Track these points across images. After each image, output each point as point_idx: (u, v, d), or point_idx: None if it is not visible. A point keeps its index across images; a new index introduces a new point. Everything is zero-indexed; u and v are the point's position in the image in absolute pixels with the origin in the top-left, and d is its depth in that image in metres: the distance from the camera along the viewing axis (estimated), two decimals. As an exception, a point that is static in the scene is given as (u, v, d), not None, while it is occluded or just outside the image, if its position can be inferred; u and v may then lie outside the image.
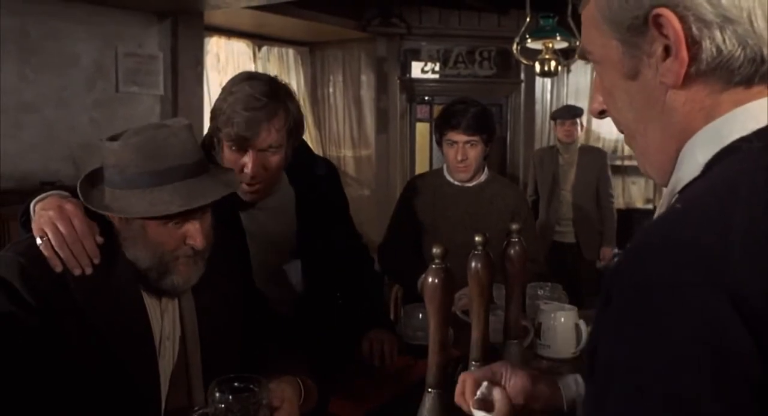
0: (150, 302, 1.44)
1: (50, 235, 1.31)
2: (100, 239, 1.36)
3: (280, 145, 1.83)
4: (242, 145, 1.79)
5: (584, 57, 0.81)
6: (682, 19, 0.67)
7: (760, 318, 0.54)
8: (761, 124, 0.66)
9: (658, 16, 0.67)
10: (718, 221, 0.59)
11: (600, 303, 0.63)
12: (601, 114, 0.83)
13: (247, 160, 1.80)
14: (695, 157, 0.69)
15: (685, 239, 0.60)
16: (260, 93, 1.77)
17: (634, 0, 0.70)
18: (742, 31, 0.66)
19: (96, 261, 1.35)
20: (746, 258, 0.56)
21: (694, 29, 0.67)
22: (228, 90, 1.82)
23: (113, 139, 1.38)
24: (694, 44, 0.67)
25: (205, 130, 1.99)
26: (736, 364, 0.54)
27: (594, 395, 0.63)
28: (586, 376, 0.65)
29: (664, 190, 0.76)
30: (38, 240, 1.32)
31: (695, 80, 0.69)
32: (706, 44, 0.67)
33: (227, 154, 1.83)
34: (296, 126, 1.86)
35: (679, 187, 0.70)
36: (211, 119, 1.86)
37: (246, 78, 1.84)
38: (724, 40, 0.66)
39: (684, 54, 0.67)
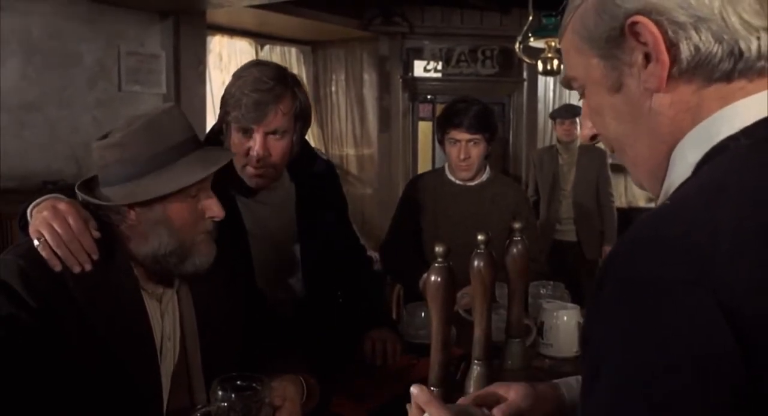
0: (150, 303, 1.44)
1: (47, 236, 1.32)
2: (96, 233, 1.36)
3: (285, 130, 1.85)
4: (249, 126, 1.82)
5: (569, 86, 0.83)
6: (657, 24, 0.69)
7: (745, 318, 0.55)
8: (748, 122, 0.68)
9: (634, 23, 0.70)
10: (706, 219, 0.60)
11: (592, 294, 0.64)
12: (593, 139, 0.85)
13: (254, 143, 1.83)
14: (686, 157, 0.71)
15: (673, 236, 0.60)
16: (268, 77, 1.81)
17: (608, 14, 0.72)
18: (716, 27, 0.68)
19: (95, 257, 1.35)
20: (733, 257, 0.57)
21: (669, 32, 0.69)
22: (238, 75, 1.87)
23: (104, 138, 1.40)
24: (672, 46, 0.69)
25: (208, 129, 2.00)
26: (717, 365, 0.55)
27: (585, 384, 0.64)
28: (580, 364, 0.66)
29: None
30: (35, 242, 1.32)
31: (678, 81, 0.70)
32: (684, 45, 0.69)
33: (234, 138, 1.86)
34: (303, 112, 1.89)
35: (672, 190, 0.71)
36: (221, 105, 1.89)
37: (255, 64, 1.91)
38: (700, 39, 0.68)
39: (664, 56, 0.69)
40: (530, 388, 1.12)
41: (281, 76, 1.85)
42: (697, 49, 0.68)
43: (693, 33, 0.68)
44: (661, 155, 0.74)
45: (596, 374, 0.60)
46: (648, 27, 0.69)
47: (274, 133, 1.84)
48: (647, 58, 0.71)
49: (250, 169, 1.87)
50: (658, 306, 0.57)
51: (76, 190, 1.41)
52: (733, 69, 0.69)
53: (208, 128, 2.01)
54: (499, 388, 1.13)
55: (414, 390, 1.05)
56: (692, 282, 0.56)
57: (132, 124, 1.38)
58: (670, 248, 0.59)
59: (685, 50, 0.69)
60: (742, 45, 0.68)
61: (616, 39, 0.72)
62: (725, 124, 0.69)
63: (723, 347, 0.54)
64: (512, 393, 1.11)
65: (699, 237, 0.59)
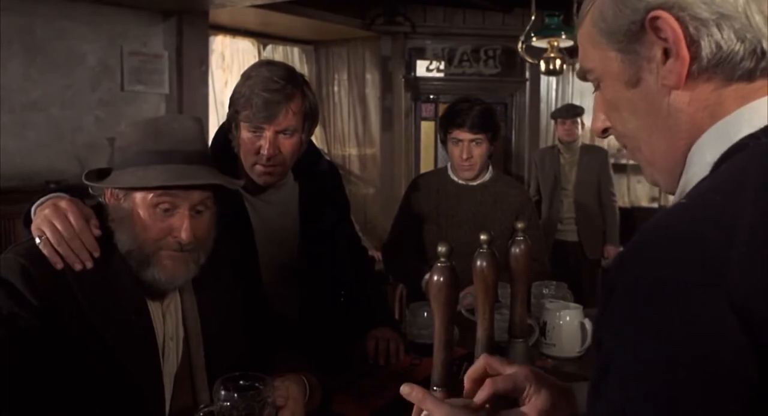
0: (152, 302, 1.44)
1: (48, 233, 1.32)
2: (97, 231, 1.37)
3: (295, 129, 1.87)
4: (260, 125, 1.84)
5: (584, 78, 0.82)
6: (679, 20, 0.67)
7: (760, 319, 0.54)
8: None
9: (655, 18, 0.68)
10: (723, 219, 0.59)
11: (603, 294, 0.63)
12: (604, 132, 0.83)
13: (264, 141, 1.84)
14: (704, 156, 0.69)
15: (687, 236, 0.59)
16: (278, 76, 1.83)
17: (629, 7, 0.71)
18: (739, 25, 0.66)
19: (96, 254, 1.35)
20: (749, 259, 0.55)
21: (691, 29, 0.67)
22: (247, 75, 1.89)
23: None
24: (692, 43, 0.68)
25: (211, 128, 2.01)
26: (729, 366, 0.54)
27: (594, 385, 0.63)
28: (594, 363, 0.64)
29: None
30: (37, 240, 1.33)
31: (698, 78, 0.69)
32: (705, 42, 0.67)
33: (244, 137, 1.87)
34: (312, 111, 1.92)
35: (688, 188, 0.70)
36: (230, 104, 1.91)
37: (264, 63, 1.93)
38: (722, 37, 0.67)
39: (684, 52, 0.68)
40: (550, 405, 1.02)
41: (291, 75, 1.87)
42: (718, 46, 0.67)
43: (715, 30, 0.67)
44: (678, 152, 0.73)
45: (606, 374, 0.60)
46: (669, 22, 0.67)
47: (284, 132, 1.85)
48: (666, 53, 0.69)
49: (259, 167, 1.88)
50: (670, 307, 0.56)
51: (83, 176, 1.44)
52: (755, 68, 0.67)
53: (211, 127, 2.01)
54: (525, 383, 1.03)
55: (405, 389, 0.99)
56: (705, 283, 0.55)
57: (146, 120, 1.43)
58: (683, 248, 0.58)
59: (706, 47, 0.67)
60: (765, 44, 0.67)
61: (636, 33, 0.71)
62: (745, 123, 0.67)
63: (735, 348, 0.53)
64: (531, 403, 1.02)
65: (714, 237, 0.57)
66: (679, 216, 0.63)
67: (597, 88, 0.81)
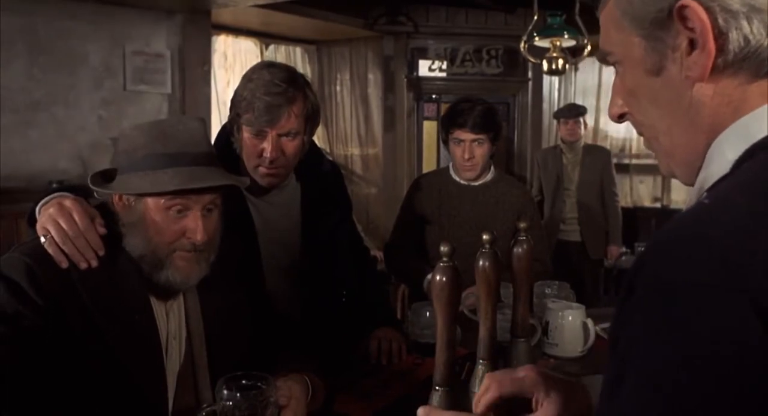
0: (156, 302, 1.45)
1: (53, 232, 1.33)
2: (102, 230, 1.37)
3: (298, 132, 1.87)
4: (262, 129, 1.83)
5: (604, 60, 0.79)
6: (708, 10, 0.66)
7: None
8: None
9: (684, 7, 0.66)
10: (747, 222, 0.58)
11: (622, 293, 0.62)
12: (621, 118, 0.81)
13: (267, 144, 1.84)
14: (724, 153, 0.68)
15: (710, 238, 0.58)
16: (280, 79, 1.83)
17: None
18: None
19: (101, 253, 1.35)
20: None
21: (720, 20, 0.65)
22: (248, 77, 1.88)
23: None
24: (720, 35, 0.66)
25: (213, 128, 2.01)
26: (750, 370, 0.53)
27: (608, 385, 0.62)
28: (609, 362, 0.63)
29: (690, 188, 0.74)
30: (42, 239, 1.33)
31: (723, 72, 0.68)
32: (733, 35, 0.65)
33: (246, 140, 1.87)
34: (314, 113, 1.91)
35: (707, 185, 0.69)
36: (231, 107, 1.90)
37: (265, 66, 1.90)
38: (751, 30, 0.65)
39: (711, 45, 0.66)
40: (560, 405, 1.00)
41: (293, 78, 1.86)
42: (746, 40, 0.65)
43: (744, 23, 0.65)
44: (699, 146, 0.71)
45: (622, 373, 0.59)
46: (697, 13, 0.65)
47: (286, 134, 1.85)
48: (692, 44, 0.67)
49: (262, 170, 1.89)
50: (691, 309, 0.55)
51: (89, 180, 1.44)
52: None
53: (213, 127, 2.01)
54: (533, 389, 1.01)
55: (420, 412, 1.02)
56: (727, 286, 0.54)
57: (152, 121, 1.43)
58: (705, 250, 0.57)
59: (734, 41, 0.65)
60: None
61: (663, 21, 0.69)
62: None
63: (756, 351, 0.53)
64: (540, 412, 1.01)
65: (737, 241, 0.56)
66: (701, 217, 0.62)
67: (616, 71, 0.79)
